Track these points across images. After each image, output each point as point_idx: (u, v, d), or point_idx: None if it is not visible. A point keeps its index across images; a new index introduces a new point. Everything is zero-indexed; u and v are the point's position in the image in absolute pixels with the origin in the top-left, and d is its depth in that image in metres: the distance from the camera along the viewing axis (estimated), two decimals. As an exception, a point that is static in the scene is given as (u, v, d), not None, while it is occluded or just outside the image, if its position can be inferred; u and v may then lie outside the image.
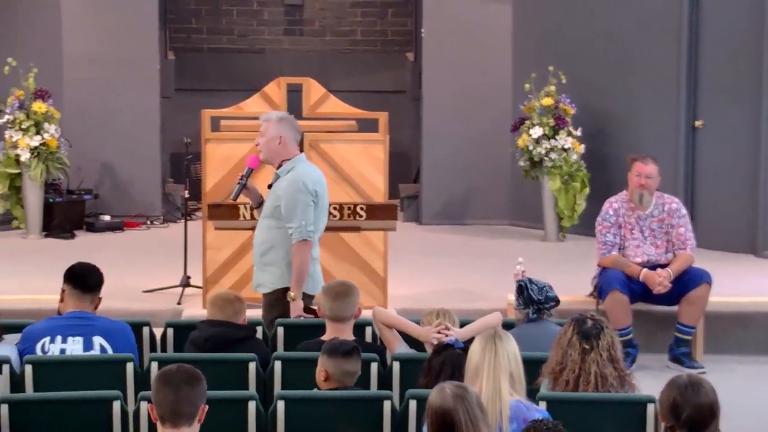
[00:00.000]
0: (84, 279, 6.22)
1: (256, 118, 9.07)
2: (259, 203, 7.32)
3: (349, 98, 9.73)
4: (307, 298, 7.09)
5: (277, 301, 7.06)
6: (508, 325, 6.42)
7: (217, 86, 13.96)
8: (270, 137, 7.14)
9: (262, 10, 14.95)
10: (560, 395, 5.41)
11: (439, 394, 4.45)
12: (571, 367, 5.44)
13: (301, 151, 7.51)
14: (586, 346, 5.43)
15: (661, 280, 8.31)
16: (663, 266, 8.42)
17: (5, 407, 5.30)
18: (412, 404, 5.43)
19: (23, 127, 11.43)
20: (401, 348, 6.29)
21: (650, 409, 5.39)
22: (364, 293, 8.33)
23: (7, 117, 11.45)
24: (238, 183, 7.22)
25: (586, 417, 5.31)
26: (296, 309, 6.96)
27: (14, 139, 11.42)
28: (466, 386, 4.56)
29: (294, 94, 9.23)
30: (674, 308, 8.45)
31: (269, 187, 7.21)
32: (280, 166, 7.16)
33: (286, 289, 7.02)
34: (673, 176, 10.94)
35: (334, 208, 7.87)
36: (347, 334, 6.23)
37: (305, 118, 9.23)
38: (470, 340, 5.55)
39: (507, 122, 12.01)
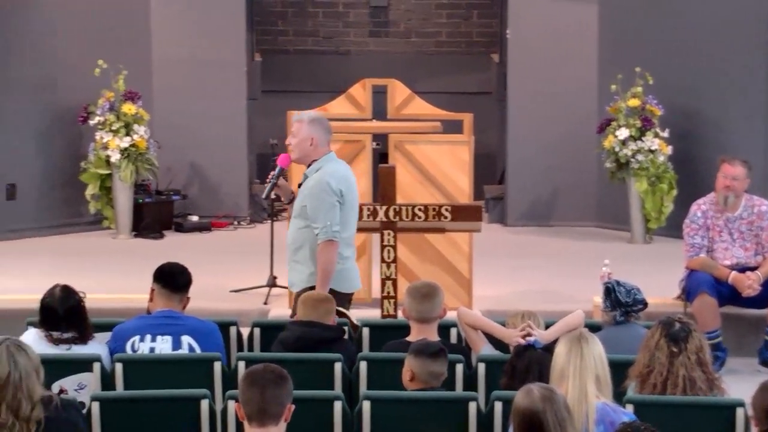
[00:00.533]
0: (173, 279, 6.30)
1: (342, 120, 9.17)
2: (291, 200, 7.34)
3: (434, 99, 9.74)
4: (342, 296, 7.07)
5: None
6: (594, 328, 6.39)
7: (302, 88, 14.04)
8: (302, 138, 7.14)
9: (347, 12, 15.00)
10: (648, 398, 5.37)
11: (527, 395, 4.43)
12: (658, 370, 5.39)
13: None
14: (674, 349, 5.38)
15: (750, 283, 8.21)
16: (752, 269, 8.32)
17: (96, 405, 5.37)
18: (498, 406, 5.41)
19: (113, 128, 11.59)
20: (486, 349, 6.27)
21: (740, 413, 5.32)
22: (449, 294, 8.34)
23: (97, 118, 11.62)
24: (270, 182, 7.25)
25: (674, 421, 5.26)
26: None
27: (105, 141, 11.59)
28: (554, 388, 4.54)
29: (379, 96, 9.25)
30: (764, 311, 8.34)
31: (299, 186, 7.24)
32: (309, 165, 7.18)
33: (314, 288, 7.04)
34: (764, 178, 10.78)
35: (419, 209, 7.89)
36: (432, 335, 6.23)
37: (390, 120, 9.27)
38: (553, 342, 5.54)
39: (593, 123, 11.93)
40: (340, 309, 6.91)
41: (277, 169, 7.25)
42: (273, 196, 7.39)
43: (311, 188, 7.05)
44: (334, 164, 7.17)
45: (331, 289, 6.98)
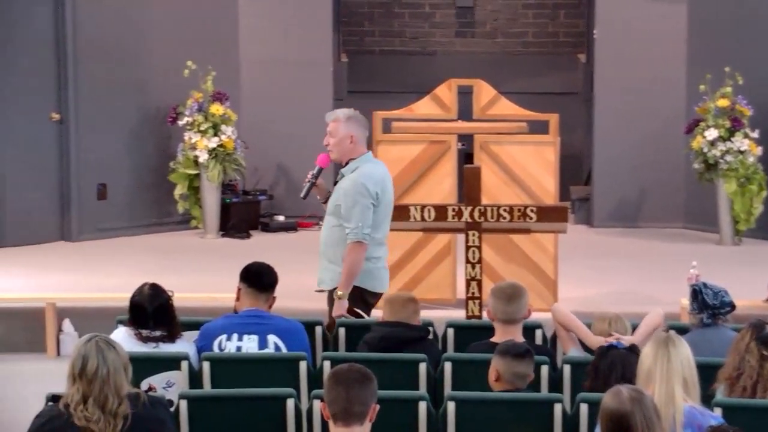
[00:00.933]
0: (260, 278, 6.35)
1: (427, 120, 9.17)
2: (326, 199, 7.34)
3: (520, 100, 9.71)
4: (370, 294, 7.09)
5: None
6: (682, 330, 6.32)
7: (388, 88, 14.06)
8: (341, 137, 7.11)
9: (434, 13, 15.01)
10: (737, 402, 5.30)
11: (615, 397, 4.39)
12: (748, 373, 5.33)
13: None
14: (765, 353, 5.31)
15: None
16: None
17: (184, 403, 5.43)
18: (583, 408, 5.38)
19: (201, 129, 11.71)
20: (575, 351, 6.24)
21: (830, 417, 5.25)
22: (534, 295, 8.31)
23: (186, 119, 11.74)
24: (309, 181, 7.23)
25: (764, 425, 5.19)
26: (340, 308, 6.92)
27: (193, 141, 11.71)
28: (643, 390, 4.50)
29: (464, 96, 9.24)
30: None
31: (335, 184, 7.23)
32: (346, 164, 7.16)
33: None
34: None
35: (504, 210, 7.88)
36: (517, 336, 6.21)
37: (475, 120, 9.25)
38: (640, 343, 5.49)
39: (680, 124, 11.82)
40: (357, 310, 6.94)
41: (316, 169, 7.23)
42: (310, 195, 7.38)
43: (347, 189, 7.03)
44: (371, 165, 7.15)
45: (361, 287, 7.01)
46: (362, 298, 7.05)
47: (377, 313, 6.95)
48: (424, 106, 9.21)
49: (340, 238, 7.02)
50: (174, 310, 6.22)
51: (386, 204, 7.12)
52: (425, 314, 7.08)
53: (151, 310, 6.10)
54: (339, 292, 6.91)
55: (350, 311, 6.93)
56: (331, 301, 7.06)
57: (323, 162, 7.24)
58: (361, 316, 6.92)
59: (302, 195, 7.33)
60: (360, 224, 6.93)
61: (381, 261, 7.15)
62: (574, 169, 13.36)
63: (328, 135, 7.16)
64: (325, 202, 7.30)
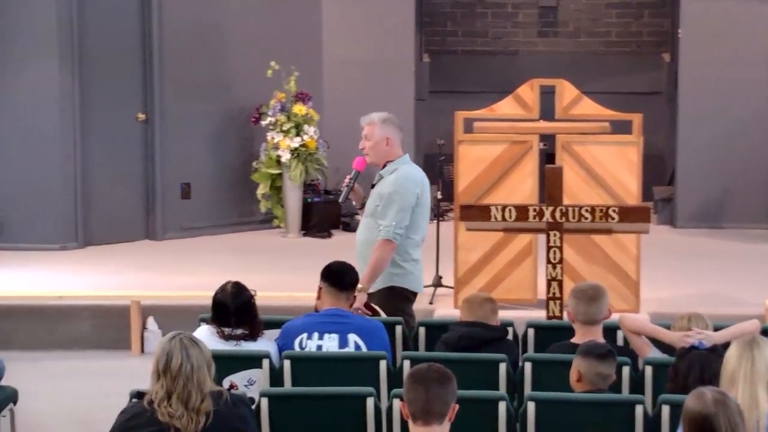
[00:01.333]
0: (341, 278, 6.38)
1: (509, 120, 9.15)
2: (363, 204, 7.37)
3: (603, 100, 9.64)
4: (415, 295, 7.21)
5: (383, 299, 7.10)
6: None
7: (470, 88, 14.04)
8: (377, 140, 7.18)
9: (516, 13, 14.96)
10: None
11: (699, 399, 4.35)
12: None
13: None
14: None
15: None
16: None
17: (265, 401, 5.48)
18: (665, 409, 5.34)
19: (284, 128, 11.79)
20: (654, 354, 6.19)
21: None
22: (616, 296, 8.27)
23: (269, 119, 11.83)
24: (346, 186, 7.27)
25: None
26: (358, 301, 6.88)
27: (275, 141, 11.80)
28: (727, 392, 4.45)
29: (547, 96, 9.21)
30: None
31: (372, 186, 7.26)
32: (384, 166, 7.21)
33: (391, 288, 7.10)
34: None
35: (586, 210, 7.82)
36: (598, 337, 6.18)
37: (558, 120, 9.21)
38: (721, 344, 5.43)
39: (766, 124, 11.67)
40: (374, 306, 6.98)
41: (353, 173, 7.29)
42: (347, 199, 7.43)
43: (386, 188, 7.09)
44: (409, 167, 7.23)
45: (406, 288, 7.10)
46: (407, 297, 7.20)
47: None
48: (505, 106, 9.19)
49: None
50: (256, 309, 6.27)
51: (424, 206, 7.21)
52: (506, 314, 7.08)
53: (234, 308, 6.16)
54: (360, 286, 6.90)
55: (367, 306, 6.99)
56: (377, 304, 7.10)
57: (360, 166, 7.31)
58: (378, 313, 6.97)
59: (340, 200, 7.45)
60: (394, 223, 7.01)
61: (420, 263, 7.27)
62: (658, 170, 13.25)
63: (363, 138, 7.24)
64: (362, 207, 7.38)
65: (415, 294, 7.29)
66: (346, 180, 7.28)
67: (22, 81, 11.12)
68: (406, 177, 7.12)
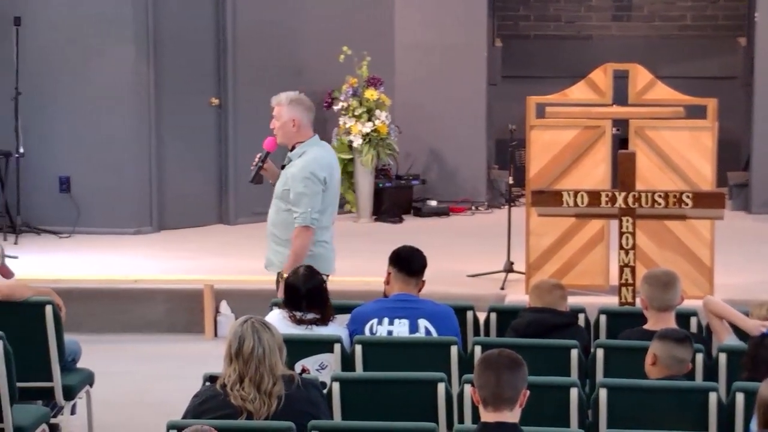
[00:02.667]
0: (409, 263, 6.39)
1: (582, 105, 9.10)
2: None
3: (677, 84, 9.55)
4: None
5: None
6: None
7: (542, 73, 13.97)
8: (284, 121, 7.16)
9: (590, -4, 14.86)
10: None
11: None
12: None
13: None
14: None
15: None
16: None
17: (336, 385, 5.50)
18: (739, 397, 5.29)
19: (356, 113, 11.82)
20: (731, 341, 6.14)
21: None
22: (689, 282, 8.20)
23: (341, 104, 11.87)
24: (256, 165, 7.28)
25: None
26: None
27: (347, 126, 11.83)
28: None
29: (620, 81, 9.14)
30: None
31: (282, 167, 7.23)
32: (293, 148, 7.18)
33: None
34: None
35: (659, 196, 7.77)
36: (671, 324, 6.13)
37: (631, 105, 9.14)
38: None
39: None
40: None
41: (262, 153, 7.28)
42: (259, 177, 7.40)
43: (295, 174, 7.07)
44: (318, 149, 7.18)
45: None
46: None
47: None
48: (578, 91, 9.14)
49: (287, 221, 7.10)
50: (327, 293, 6.30)
51: (333, 188, 7.20)
52: (577, 300, 7.05)
53: (305, 291, 6.19)
54: (285, 274, 6.89)
55: None
56: (278, 283, 7.10)
57: (270, 146, 7.30)
58: None
59: (250, 179, 7.43)
60: (309, 209, 7.01)
61: (329, 244, 7.26)
62: (732, 155, 13.09)
63: (273, 118, 7.23)
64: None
65: (326, 276, 7.18)
66: (255, 160, 7.32)
67: (98, 67, 11.25)
68: (314, 160, 7.10)
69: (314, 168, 7.07)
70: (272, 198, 7.29)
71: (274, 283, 7.22)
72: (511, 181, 10.14)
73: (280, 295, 6.71)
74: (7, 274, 7.00)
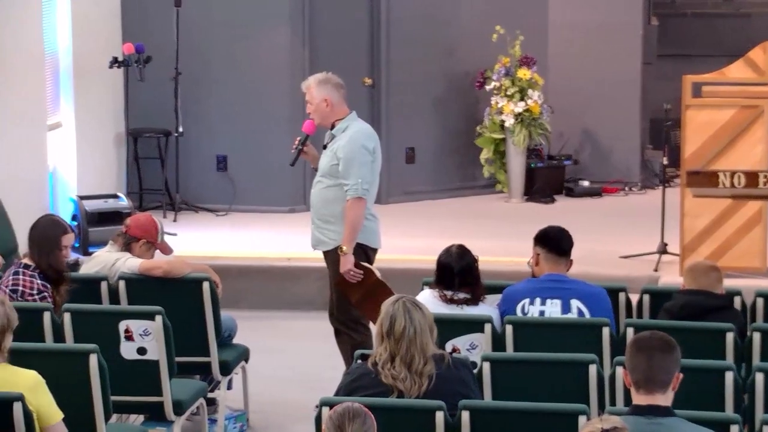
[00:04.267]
0: (558, 243, 6.37)
1: (740, 84, 8.92)
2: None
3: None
4: (372, 251, 7.16)
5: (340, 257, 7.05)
6: None
7: (699, 52, 13.70)
8: (317, 102, 7.17)
9: (747, -26, 14.53)
10: None
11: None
12: None
13: None
14: None
15: None
16: None
17: (487, 365, 5.51)
18: None
19: (508, 93, 11.77)
20: None
21: None
22: None
23: (493, 84, 11.84)
24: (296, 148, 7.30)
25: None
26: (347, 263, 6.97)
27: (500, 105, 11.79)
28: None
29: (780, 59, 8.93)
30: None
31: (324, 147, 7.20)
32: (333, 126, 7.15)
33: None
34: None
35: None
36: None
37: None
38: None
39: None
40: (364, 264, 7.00)
41: (302, 136, 7.30)
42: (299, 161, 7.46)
43: (343, 147, 7.06)
44: (360, 123, 7.24)
45: (363, 244, 7.08)
46: (365, 253, 7.16)
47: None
48: (736, 70, 8.97)
49: (336, 198, 7.10)
50: (479, 272, 6.32)
51: (379, 160, 7.22)
52: (733, 282, 6.93)
53: (458, 270, 6.22)
54: (344, 248, 6.96)
55: (357, 266, 7.02)
56: (332, 261, 7.13)
57: (309, 129, 7.33)
58: (370, 270, 6.99)
59: (290, 163, 7.46)
60: (359, 180, 7.01)
61: (377, 218, 7.27)
62: None
63: (307, 103, 7.26)
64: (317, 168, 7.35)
65: (375, 250, 7.27)
66: (295, 143, 7.36)
67: (254, 48, 11.43)
68: (361, 132, 7.16)
69: (362, 139, 7.16)
70: (316, 178, 7.33)
71: (428, 262, 7.26)
72: (665, 162, 10.00)
73: (343, 271, 6.79)
74: (166, 250, 7.19)
